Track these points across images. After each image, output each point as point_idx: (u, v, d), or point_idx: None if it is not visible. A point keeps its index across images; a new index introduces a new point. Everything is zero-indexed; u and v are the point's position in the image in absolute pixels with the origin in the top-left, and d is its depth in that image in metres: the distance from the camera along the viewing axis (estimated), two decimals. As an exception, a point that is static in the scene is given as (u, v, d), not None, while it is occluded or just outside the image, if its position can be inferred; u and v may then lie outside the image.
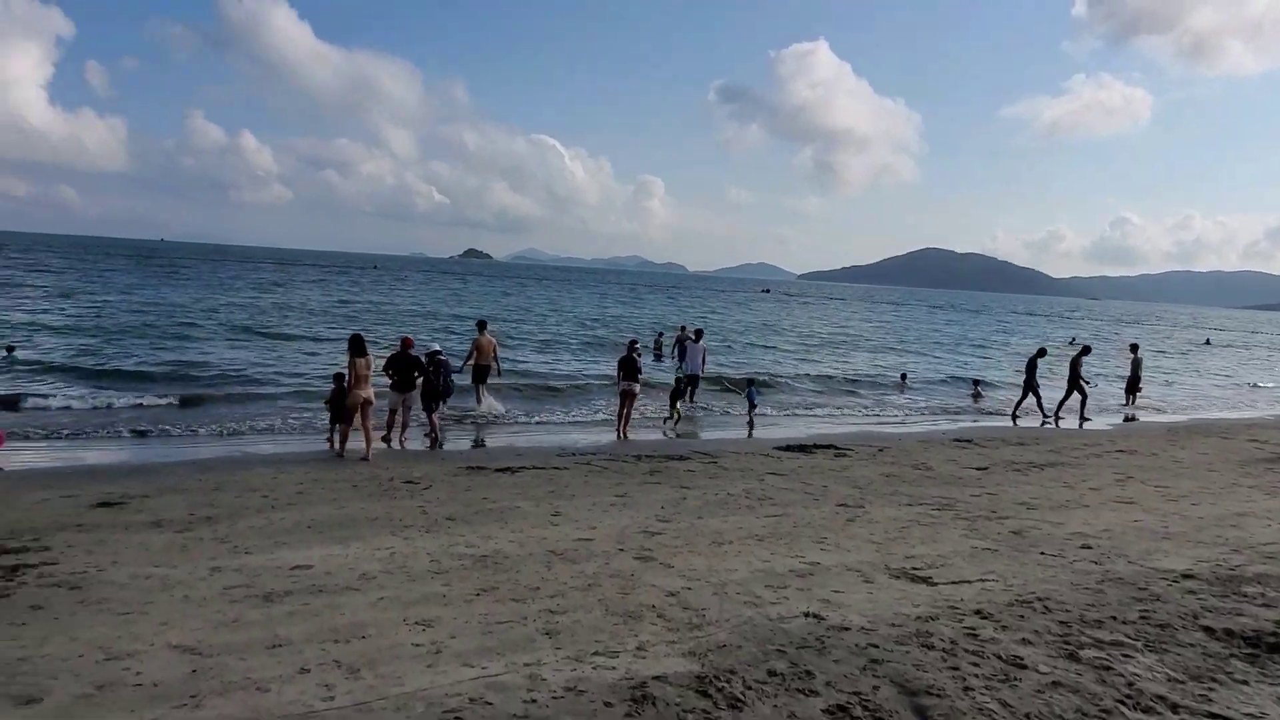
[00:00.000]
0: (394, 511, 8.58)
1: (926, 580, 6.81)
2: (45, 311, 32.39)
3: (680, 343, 28.97)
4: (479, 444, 14.14)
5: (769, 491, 10.42)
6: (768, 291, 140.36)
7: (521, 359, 26.63)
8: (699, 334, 19.81)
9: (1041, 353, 20.53)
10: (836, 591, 6.45)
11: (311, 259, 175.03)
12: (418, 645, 5.14)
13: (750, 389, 18.31)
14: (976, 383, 26.19)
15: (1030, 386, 19.78)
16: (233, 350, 24.71)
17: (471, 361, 16.76)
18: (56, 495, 8.67)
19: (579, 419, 17.39)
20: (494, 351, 17.12)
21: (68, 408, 15.20)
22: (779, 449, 13.99)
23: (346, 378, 12.37)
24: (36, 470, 10.45)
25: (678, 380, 17.48)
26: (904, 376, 25.93)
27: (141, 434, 13.39)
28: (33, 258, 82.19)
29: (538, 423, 16.58)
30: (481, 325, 17.33)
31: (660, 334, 30.60)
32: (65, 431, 13.16)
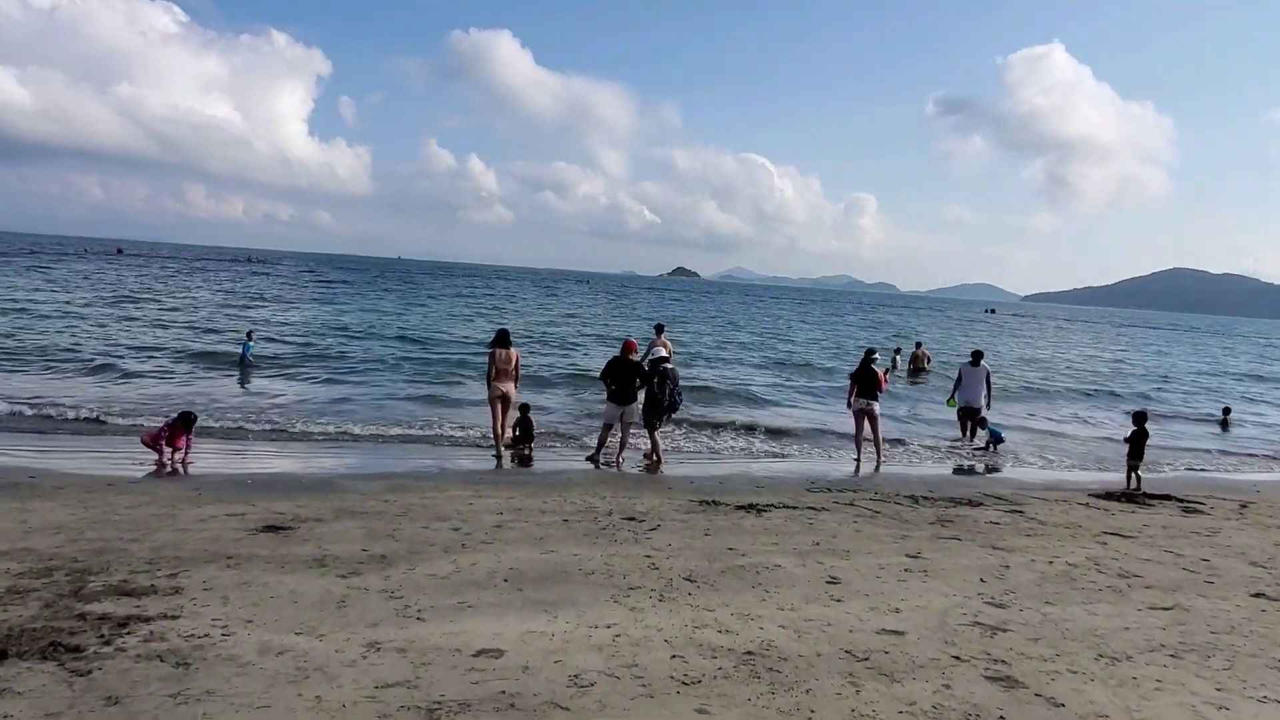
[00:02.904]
0: (615, 562, 6.40)
1: None
2: (303, 317, 34.03)
3: (913, 361, 25.55)
4: (657, 463, 11.85)
5: (1125, 563, 7.33)
6: (992, 312, 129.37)
7: (742, 377, 24.16)
8: (977, 356, 15.51)
9: None
10: None
11: (530, 275, 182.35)
12: None
13: (992, 426, 14.97)
14: (1310, 419, 20.86)
15: None
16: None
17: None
18: (223, 513, 7.24)
19: (799, 442, 14.78)
20: (669, 354, 16.50)
21: (278, 404, 14.53)
22: (1097, 496, 10.70)
23: (488, 371, 11.64)
24: (217, 478, 9.26)
25: (961, 415, 15.29)
26: (1227, 412, 20.98)
27: (336, 440, 12.25)
28: (311, 272, 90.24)
29: (758, 446, 14.07)
30: (659, 329, 16.63)
31: (897, 350, 27.17)
32: (265, 431, 12.28)
